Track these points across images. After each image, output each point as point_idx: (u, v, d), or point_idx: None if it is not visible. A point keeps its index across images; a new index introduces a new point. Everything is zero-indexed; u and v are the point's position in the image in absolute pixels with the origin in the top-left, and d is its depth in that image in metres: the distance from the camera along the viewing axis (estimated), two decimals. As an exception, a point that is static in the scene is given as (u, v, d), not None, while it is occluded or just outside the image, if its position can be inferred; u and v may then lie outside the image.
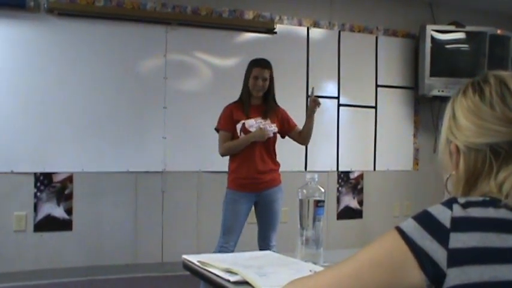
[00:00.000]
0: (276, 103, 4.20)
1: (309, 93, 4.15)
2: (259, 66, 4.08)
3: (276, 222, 4.16)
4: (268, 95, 4.12)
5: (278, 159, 4.17)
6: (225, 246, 4.03)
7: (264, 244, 4.12)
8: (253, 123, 4.06)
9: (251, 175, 4.07)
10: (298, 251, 2.00)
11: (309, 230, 1.98)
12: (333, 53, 5.87)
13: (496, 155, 1.05)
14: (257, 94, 4.08)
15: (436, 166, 6.04)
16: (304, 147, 5.57)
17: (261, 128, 4.05)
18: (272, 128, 4.10)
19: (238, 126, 4.06)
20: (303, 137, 4.25)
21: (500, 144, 1.04)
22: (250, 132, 4.04)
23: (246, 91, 4.12)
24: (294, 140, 4.28)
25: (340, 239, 5.66)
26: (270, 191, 4.13)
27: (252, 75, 4.06)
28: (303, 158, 5.68)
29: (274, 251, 2.72)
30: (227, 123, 4.09)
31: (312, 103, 4.10)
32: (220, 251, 3.96)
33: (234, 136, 4.09)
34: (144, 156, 5.11)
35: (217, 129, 4.17)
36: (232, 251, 4.00)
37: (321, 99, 5.76)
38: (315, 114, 4.17)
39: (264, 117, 4.10)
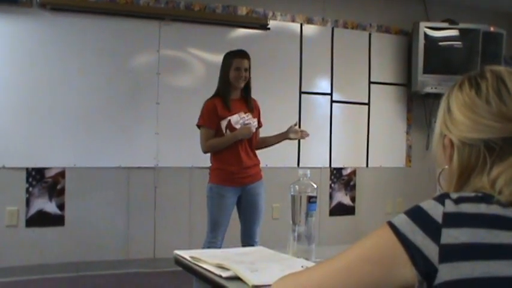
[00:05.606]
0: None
1: (295, 124, 4.23)
2: (240, 56, 4.03)
3: (260, 217, 4.14)
4: (247, 86, 4.09)
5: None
6: (213, 241, 4.01)
7: (248, 240, 4.09)
8: (237, 120, 4.02)
9: (238, 170, 4.04)
10: (290, 247, 1.99)
11: (301, 226, 1.98)
12: (326, 50, 5.86)
13: (490, 150, 1.04)
14: (240, 85, 4.03)
15: (429, 163, 6.06)
16: (297, 142, 5.57)
17: (246, 125, 4.03)
18: (254, 123, 4.09)
19: (224, 123, 4.00)
20: (258, 144, 4.21)
21: (495, 140, 1.04)
22: (235, 129, 4.01)
23: (225, 84, 4.06)
24: None
25: (332, 235, 5.66)
26: (254, 185, 4.12)
27: (234, 67, 4.01)
28: (296, 154, 5.68)
29: None
30: (211, 119, 4.02)
31: (299, 134, 4.19)
32: (208, 247, 3.94)
33: (217, 132, 4.04)
34: (136, 152, 5.10)
35: (198, 126, 4.10)
36: (220, 247, 4.00)
37: (314, 96, 5.87)
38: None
39: (247, 111, 4.07)
